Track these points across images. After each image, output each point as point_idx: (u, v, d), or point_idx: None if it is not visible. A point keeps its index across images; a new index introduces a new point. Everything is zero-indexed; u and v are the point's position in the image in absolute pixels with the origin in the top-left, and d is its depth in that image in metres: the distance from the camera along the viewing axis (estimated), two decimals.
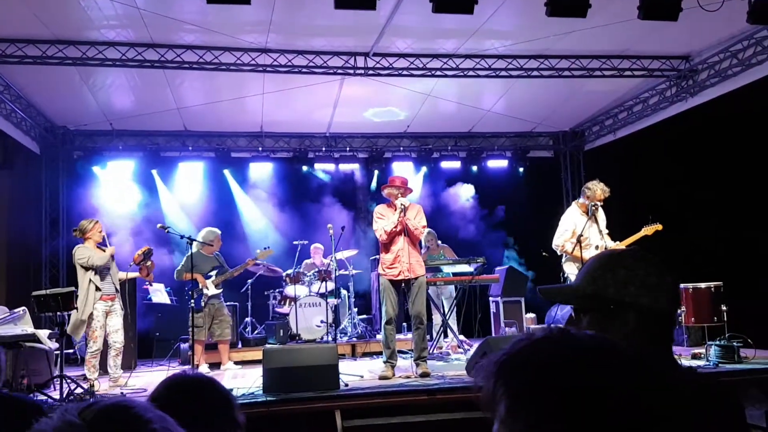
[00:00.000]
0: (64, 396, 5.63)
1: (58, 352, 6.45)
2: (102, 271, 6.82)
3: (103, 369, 7.03)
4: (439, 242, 9.51)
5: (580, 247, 6.69)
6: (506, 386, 0.82)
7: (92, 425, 0.70)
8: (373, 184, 11.62)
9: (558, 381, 0.77)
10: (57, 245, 10.42)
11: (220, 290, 8.16)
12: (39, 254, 10.28)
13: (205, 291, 7.98)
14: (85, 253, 6.73)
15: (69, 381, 5.83)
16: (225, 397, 1.45)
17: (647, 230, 6.82)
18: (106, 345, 6.90)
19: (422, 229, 6.65)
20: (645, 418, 0.76)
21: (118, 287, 7.03)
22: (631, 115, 10.36)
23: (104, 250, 6.92)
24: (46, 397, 5.65)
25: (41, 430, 0.70)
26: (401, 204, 6.48)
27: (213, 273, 8.12)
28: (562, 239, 7.06)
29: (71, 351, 8.70)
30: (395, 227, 6.48)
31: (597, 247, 6.93)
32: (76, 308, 6.52)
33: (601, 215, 7.12)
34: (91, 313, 6.67)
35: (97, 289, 6.72)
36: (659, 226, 6.78)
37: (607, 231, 7.09)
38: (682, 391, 1.23)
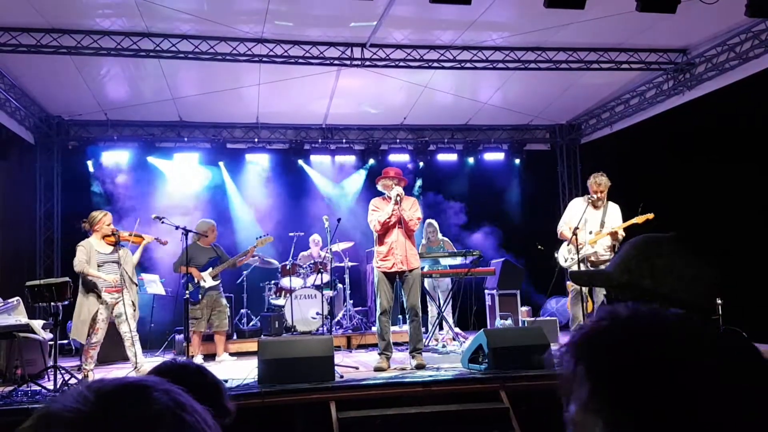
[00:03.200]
0: (58, 386, 5.61)
1: (52, 342, 6.42)
2: (104, 265, 6.67)
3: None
4: (440, 236, 9.49)
5: (576, 234, 6.73)
6: (588, 366, 0.76)
7: (101, 400, 0.70)
8: (367, 175, 11.60)
9: (645, 361, 0.73)
10: (51, 235, 10.39)
11: (218, 281, 8.14)
12: (33, 244, 10.24)
13: (202, 283, 7.96)
14: (78, 256, 6.59)
15: (63, 371, 5.81)
16: (214, 384, 1.44)
17: (638, 219, 6.75)
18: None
19: (417, 220, 6.61)
20: (739, 400, 0.71)
21: (132, 279, 6.85)
22: (628, 108, 10.35)
23: (113, 241, 6.75)
24: (40, 388, 5.63)
25: (55, 403, 0.70)
26: (396, 194, 6.45)
27: (208, 265, 8.10)
28: (562, 224, 7.14)
29: (65, 342, 8.67)
30: (389, 218, 6.46)
31: (591, 233, 6.92)
32: (70, 298, 6.47)
33: (612, 211, 7.00)
34: (97, 310, 6.57)
35: (90, 289, 6.57)
36: (651, 215, 6.72)
37: (612, 228, 6.87)
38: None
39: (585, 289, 6.77)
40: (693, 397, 0.70)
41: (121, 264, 6.76)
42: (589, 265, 6.81)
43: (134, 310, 6.82)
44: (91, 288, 6.61)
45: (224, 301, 8.19)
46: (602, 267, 6.70)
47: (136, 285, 7.05)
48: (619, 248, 1.53)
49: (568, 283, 7.03)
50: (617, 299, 1.43)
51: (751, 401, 0.71)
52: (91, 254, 6.63)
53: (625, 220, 6.92)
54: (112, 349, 7.78)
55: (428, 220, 9.30)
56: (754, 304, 7.22)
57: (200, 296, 7.91)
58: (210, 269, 8.07)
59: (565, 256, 7.14)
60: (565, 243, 7.14)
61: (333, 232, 8.01)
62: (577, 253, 6.78)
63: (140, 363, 6.68)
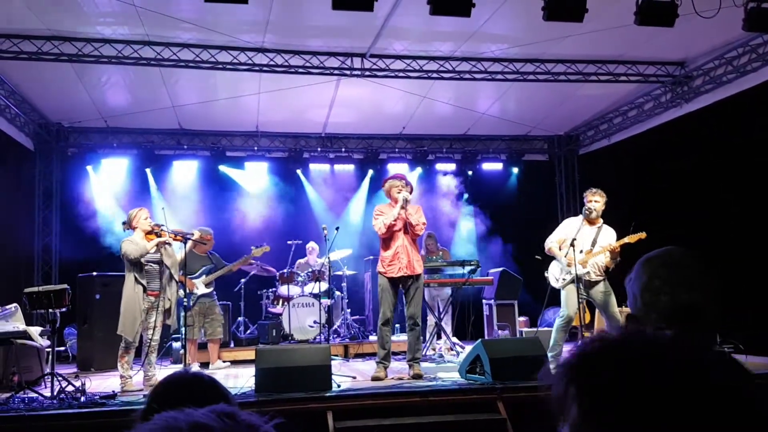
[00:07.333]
0: (55, 393, 5.60)
1: (49, 349, 6.40)
2: (145, 266, 6.43)
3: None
4: (439, 245, 9.51)
5: (574, 249, 6.61)
6: (579, 388, 0.76)
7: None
8: (366, 184, 11.62)
9: (637, 382, 0.73)
10: (50, 242, 10.38)
11: (211, 289, 8.13)
12: (31, 251, 10.23)
13: (194, 290, 7.97)
14: (124, 247, 6.34)
15: (60, 378, 5.80)
16: (224, 396, 1.45)
17: (630, 239, 6.63)
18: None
19: (422, 225, 6.57)
20: (735, 421, 0.71)
21: (173, 276, 6.58)
22: (626, 120, 10.39)
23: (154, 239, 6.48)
24: (36, 395, 5.62)
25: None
26: (403, 197, 6.46)
27: (202, 272, 8.10)
28: (550, 240, 6.96)
29: (62, 348, 8.66)
30: (395, 221, 6.47)
31: (582, 252, 6.73)
32: (68, 305, 6.45)
33: (606, 232, 6.82)
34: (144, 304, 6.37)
35: (138, 283, 6.35)
36: (643, 235, 6.60)
37: (601, 247, 6.71)
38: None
39: (582, 305, 6.71)
40: (681, 422, 0.70)
41: (164, 264, 6.53)
42: (582, 285, 6.64)
43: (164, 318, 6.58)
44: (139, 281, 6.36)
45: (218, 309, 8.17)
46: (595, 287, 6.61)
47: (176, 282, 6.69)
48: (630, 270, 1.59)
49: (561, 308, 6.85)
50: (642, 319, 1.50)
51: (739, 426, 0.71)
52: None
53: (622, 235, 6.77)
54: (110, 356, 7.76)
55: (427, 231, 9.34)
56: (750, 316, 7.24)
57: (191, 303, 7.90)
58: (203, 276, 8.07)
59: (556, 276, 6.89)
60: (555, 261, 6.96)
61: (332, 241, 8.01)
62: (575, 271, 6.58)
63: (152, 374, 6.50)
